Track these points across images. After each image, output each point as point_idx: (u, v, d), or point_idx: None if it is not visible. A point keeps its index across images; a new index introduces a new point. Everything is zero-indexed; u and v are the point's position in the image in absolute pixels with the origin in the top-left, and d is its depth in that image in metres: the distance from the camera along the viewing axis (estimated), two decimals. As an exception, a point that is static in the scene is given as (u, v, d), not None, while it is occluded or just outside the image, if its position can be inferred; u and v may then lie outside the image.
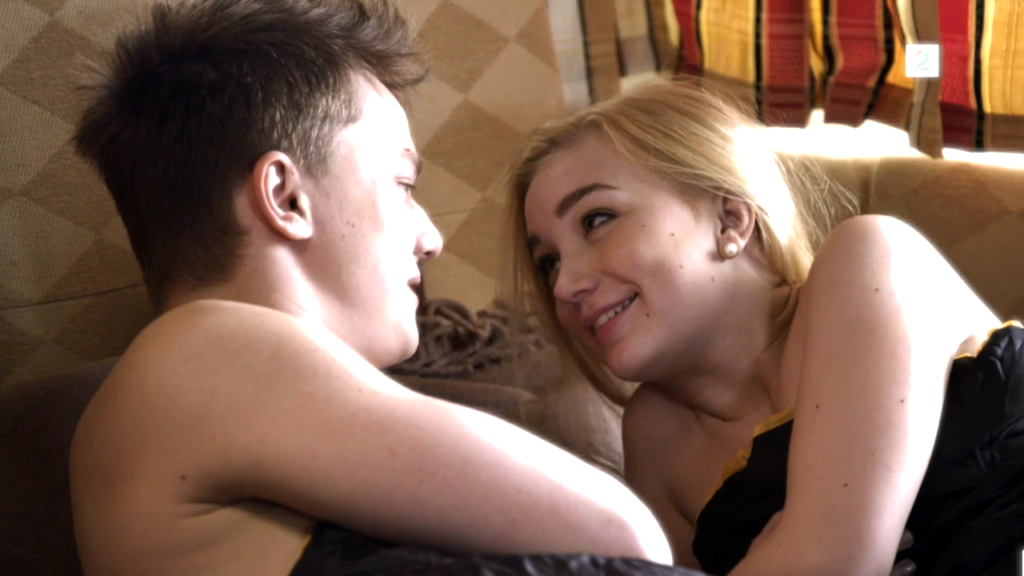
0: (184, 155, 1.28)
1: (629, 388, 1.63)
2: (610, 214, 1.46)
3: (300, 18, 1.33)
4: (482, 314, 1.94)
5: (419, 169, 1.41)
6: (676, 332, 1.43)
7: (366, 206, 1.32)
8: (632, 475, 1.55)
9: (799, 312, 1.44)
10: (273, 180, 1.28)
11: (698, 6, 2.14)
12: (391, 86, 1.41)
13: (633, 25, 2.27)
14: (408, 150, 1.39)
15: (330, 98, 1.32)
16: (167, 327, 1.18)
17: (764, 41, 2.06)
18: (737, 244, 1.47)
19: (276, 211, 1.28)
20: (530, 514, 1.11)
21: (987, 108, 1.82)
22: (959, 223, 1.55)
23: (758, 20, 2.05)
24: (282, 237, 1.29)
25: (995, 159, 1.87)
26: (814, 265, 1.39)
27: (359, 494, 1.10)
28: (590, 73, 2.22)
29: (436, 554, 1.11)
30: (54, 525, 1.43)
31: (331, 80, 1.32)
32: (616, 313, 1.45)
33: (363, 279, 1.32)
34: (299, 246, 1.30)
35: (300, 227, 1.29)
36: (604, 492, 1.14)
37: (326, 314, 1.31)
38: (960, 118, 1.85)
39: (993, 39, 1.77)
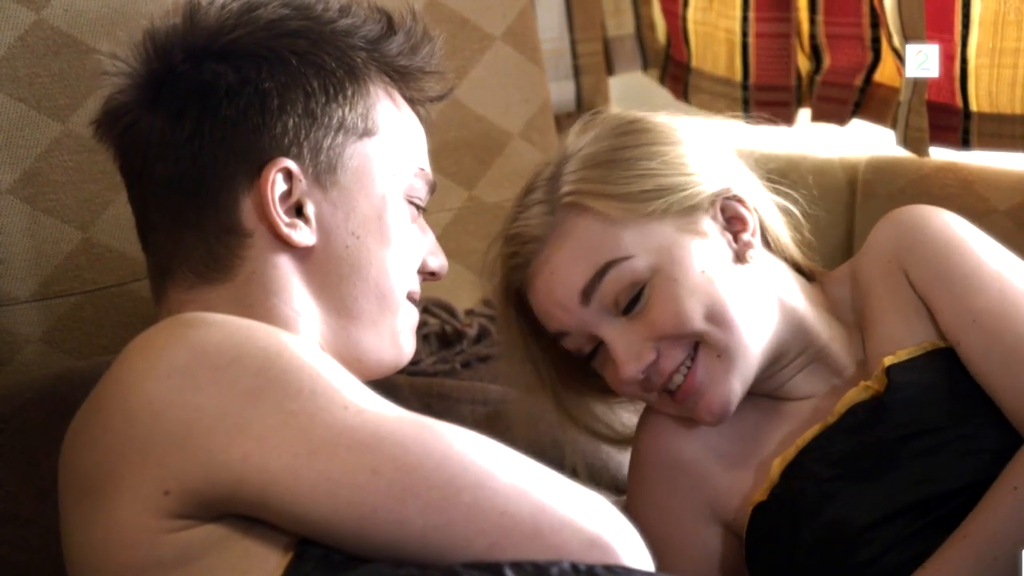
0: (195, 153, 1.28)
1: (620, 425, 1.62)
2: (640, 286, 1.42)
3: (326, 27, 1.33)
4: (470, 312, 1.94)
5: (432, 190, 1.41)
6: (750, 358, 1.43)
7: (372, 220, 1.32)
8: (663, 498, 1.49)
9: (864, 276, 1.50)
10: (280, 186, 1.28)
11: (685, 5, 2.14)
12: (412, 101, 1.41)
13: (620, 24, 2.27)
14: (423, 170, 1.38)
15: (347, 109, 1.32)
16: (154, 340, 1.17)
17: (751, 40, 2.06)
18: (752, 245, 1.46)
19: (281, 217, 1.28)
20: (512, 536, 1.10)
21: (973, 107, 1.82)
22: (947, 222, 1.56)
23: (745, 19, 2.06)
24: (285, 243, 1.29)
25: (982, 158, 1.87)
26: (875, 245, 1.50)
27: (342, 513, 1.10)
28: (577, 72, 2.22)
29: (418, 568, 1.10)
30: (41, 525, 1.43)
31: (349, 92, 1.32)
32: (688, 368, 1.42)
33: (362, 291, 1.32)
34: (301, 253, 1.30)
35: (304, 235, 1.29)
36: (588, 513, 1.13)
37: (321, 322, 1.31)
38: (947, 117, 1.85)
39: (979, 38, 1.78)
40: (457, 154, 1.98)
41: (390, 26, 1.37)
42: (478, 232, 1.96)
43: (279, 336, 1.18)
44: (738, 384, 1.42)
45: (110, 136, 1.34)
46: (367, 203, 1.32)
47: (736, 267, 1.45)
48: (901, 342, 1.44)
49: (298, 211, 1.29)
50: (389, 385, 1.76)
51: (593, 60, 2.23)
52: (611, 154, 1.46)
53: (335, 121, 1.31)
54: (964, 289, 1.43)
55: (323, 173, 1.30)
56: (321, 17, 1.34)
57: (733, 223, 1.47)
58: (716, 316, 1.41)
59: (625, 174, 1.44)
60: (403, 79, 1.39)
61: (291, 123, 1.29)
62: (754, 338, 1.43)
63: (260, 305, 1.27)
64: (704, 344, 1.41)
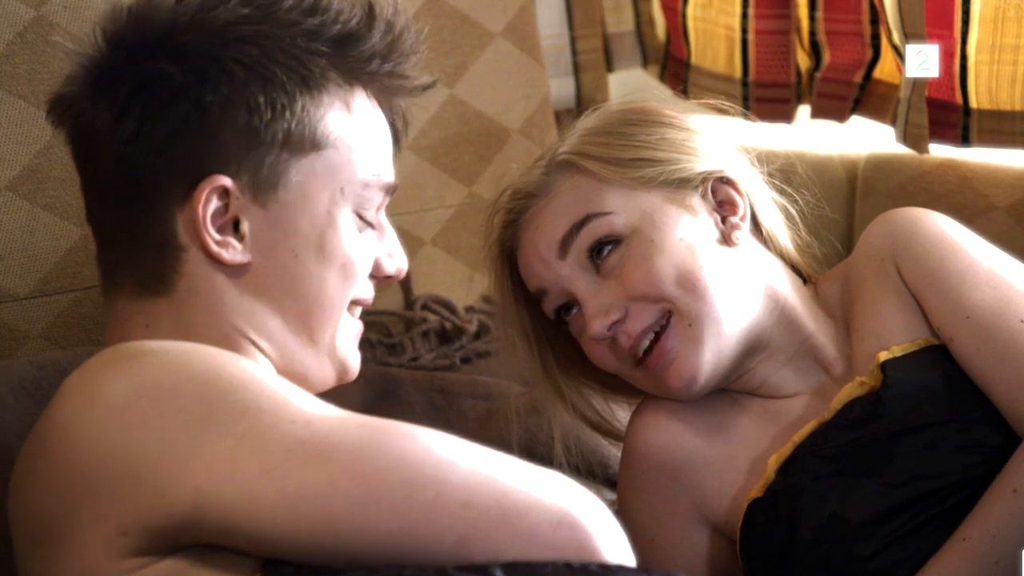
0: (134, 158, 1.24)
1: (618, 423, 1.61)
2: (614, 240, 1.45)
3: (285, 32, 1.26)
4: (469, 309, 1.94)
5: (391, 192, 1.35)
6: (723, 332, 1.43)
7: (313, 238, 1.27)
8: (652, 498, 1.50)
9: (856, 276, 1.50)
10: (214, 203, 1.23)
11: (685, 2, 2.15)
12: (390, 93, 1.36)
13: (620, 20, 2.27)
14: (377, 176, 1.32)
15: (293, 124, 1.25)
16: (91, 378, 1.15)
17: (751, 36, 2.06)
18: (741, 228, 1.48)
19: (212, 235, 1.24)
20: (480, 527, 1.08)
21: (973, 103, 1.82)
22: (946, 218, 1.57)
23: (745, 15, 2.06)
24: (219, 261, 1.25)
25: (981, 154, 1.88)
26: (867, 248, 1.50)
27: (304, 531, 1.07)
28: (577, 68, 2.22)
29: (397, 569, 1.08)
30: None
31: (299, 106, 1.26)
32: (656, 335, 1.43)
33: (303, 308, 1.28)
34: (238, 270, 1.25)
35: (235, 254, 1.25)
36: (552, 493, 1.10)
37: (262, 340, 1.27)
38: (946, 113, 1.85)
39: (979, 34, 1.78)
40: (457, 151, 1.98)
41: (366, 23, 1.30)
42: (477, 229, 1.95)
43: (217, 357, 1.16)
44: (709, 356, 1.43)
45: (61, 122, 1.30)
46: (308, 221, 1.27)
47: (720, 247, 1.47)
48: (893, 338, 1.45)
49: (236, 226, 1.25)
50: (391, 380, 1.76)
51: (593, 57, 2.23)
52: (612, 126, 1.51)
53: (279, 137, 1.25)
54: (957, 286, 1.43)
55: (262, 191, 1.25)
56: (282, 19, 1.27)
57: (723, 206, 1.50)
58: (688, 283, 1.42)
59: (621, 142, 1.49)
60: (373, 81, 1.33)
61: (231, 139, 1.23)
62: (731, 316, 1.43)
63: (200, 323, 1.25)
64: (676, 313, 1.42)
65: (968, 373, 1.41)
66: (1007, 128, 1.80)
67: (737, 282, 1.45)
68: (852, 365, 1.48)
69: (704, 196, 1.49)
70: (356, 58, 1.30)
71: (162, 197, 1.24)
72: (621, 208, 1.46)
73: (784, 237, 1.55)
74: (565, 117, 2.17)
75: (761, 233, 1.53)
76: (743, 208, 1.50)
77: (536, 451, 1.70)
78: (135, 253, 1.26)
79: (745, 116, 1.75)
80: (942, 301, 1.44)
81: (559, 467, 1.62)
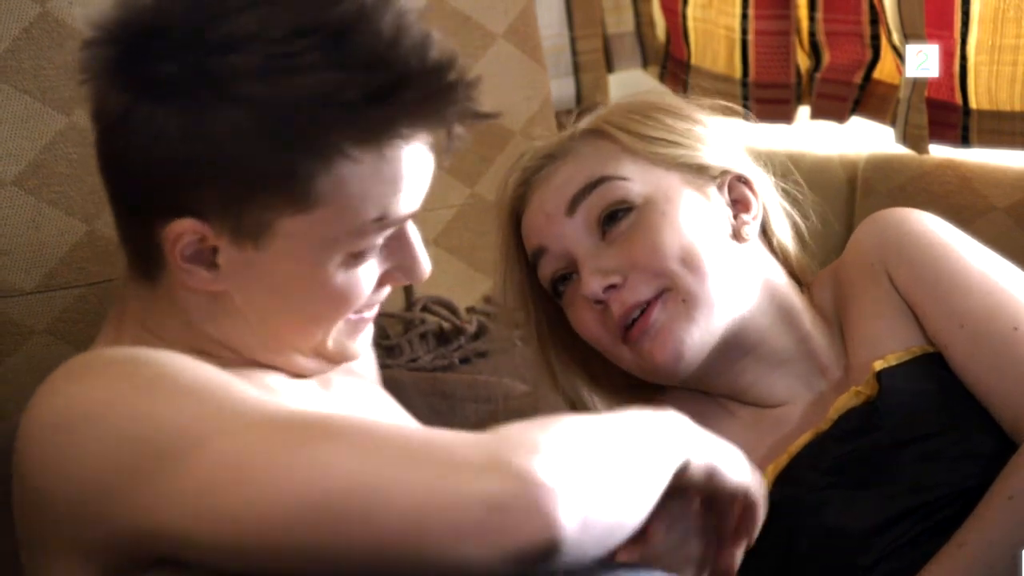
0: (122, 171, 1.20)
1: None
2: (627, 208, 1.45)
3: (295, 95, 1.13)
4: (471, 310, 1.95)
5: (403, 222, 1.24)
6: (715, 317, 1.42)
7: (291, 284, 1.21)
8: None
9: (852, 284, 1.49)
10: (188, 238, 1.18)
11: (685, 2, 2.15)
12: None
13: (620, 21, 2.28)
14: (382, 217, 1.20)
15: (279, 189, 1.16)
16: (44, 393, 1.14)
17: (751, 37, 2.06)
18: (751, 226, 1.49)
19: (180, 265, 1.19)
20: (391, 540, 1.00)
21: (973, 104, 1.83)
22: (945, 219, 1.56)
23: (745, 16, 2.06)
24: None
25: (981, 155, 1.88)
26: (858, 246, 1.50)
27: (241, 551, 1.04)
28: (577, 69, 2.22)
29: None
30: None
31: (289, 173, 1.16)
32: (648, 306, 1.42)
33: (278, 333, 1.25)
34: (213, 292, 1.22)
35: (204, 283, 1.21)
36: (481, 470, 0.99)
37: (236, 346, 1.25)
38: (946, 114, 1.86)
39: (979, 35, 1.78)
40: (458, 151, 1.98)
41: (405, 80, 1.16)
42: (479, 229, 1.97)
43: (160, 363, 1.13)
44: (696, 336, 1.42)
45: (83, 76, 1.21)
46: (290, 270, 1.20)
47: (729, 240, 1.47)
48: (886, 346, 1.44)
49: (215, 251, 1.19)
50: (393, 383, 1.76)
51: (593, 57, 2.23)
52: (641, 108, 1.52)
53: (263, 198, 1.16)
54: (950, 292, 1.42)
55: (241, 238, 1.18)
56: (296, 82, 1.13)
57: (737, 204, 1.51)
58: (691, 261, 1.42)
59: (648, 122, 1.50)
60: (397, 136, 1.19)
61: (211, 191, 1.17)
62: (725, 303, 1.43)
63: (174, 321, 1.24)
64: (673, 289, 1.42)
65: (963, 381, 1.41)
66: (1007, 128, 1.81)
67: (738, 274, 1.45)
68: (848, 373, 1.48)
69: (720, 189, 1.50)
70: (378, 122, 1.17)
71: (147, 212, 1.21)
72: (638, 177, 1.46)
73: (789, 244, 1.55)
74: (564, 117, 2.18)
75: (767, 237, 1.54)
76: (756, 209, 1.51)
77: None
78: (132, 235, 1.24)
79: (745, 117, 1.76)
80: (935, 308, 1.43)
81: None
